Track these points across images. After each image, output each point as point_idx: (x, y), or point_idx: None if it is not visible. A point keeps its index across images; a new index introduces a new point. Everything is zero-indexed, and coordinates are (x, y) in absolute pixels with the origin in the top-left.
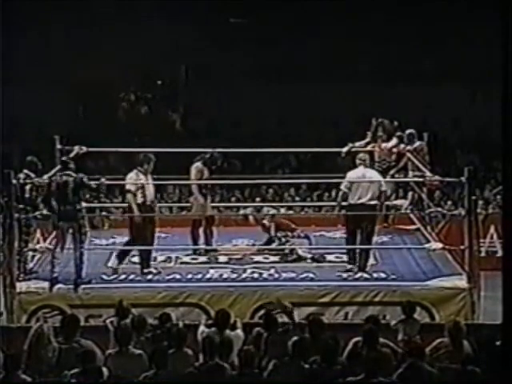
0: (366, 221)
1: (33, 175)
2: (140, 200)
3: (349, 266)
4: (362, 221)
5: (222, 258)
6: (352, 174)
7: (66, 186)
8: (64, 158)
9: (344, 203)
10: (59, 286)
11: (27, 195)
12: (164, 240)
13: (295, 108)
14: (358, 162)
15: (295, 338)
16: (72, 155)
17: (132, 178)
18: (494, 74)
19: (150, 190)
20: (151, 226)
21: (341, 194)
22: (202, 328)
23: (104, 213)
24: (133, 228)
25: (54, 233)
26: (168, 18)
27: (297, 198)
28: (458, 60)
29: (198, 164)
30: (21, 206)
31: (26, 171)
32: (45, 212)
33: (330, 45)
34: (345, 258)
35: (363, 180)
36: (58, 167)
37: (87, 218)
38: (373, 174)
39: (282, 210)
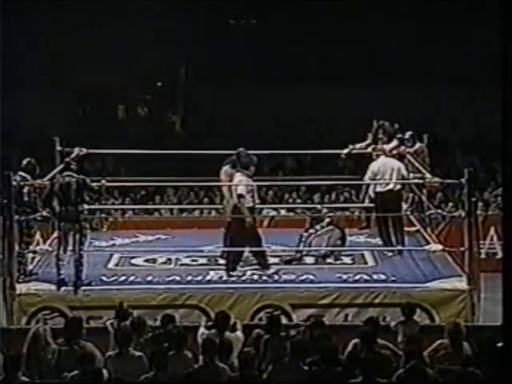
0: (394, 206)
1: (29, 177)
2: (250, 204)
3: (389, 254)
4: (389, 207)
5: (222, 260)
6: (374, 165)
7: (68, 187)
8: (67, 159)
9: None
10: (64, 288)
11: (26, 197)
12: (164, 241)
13: (295, 109)
14: (377, 154)
15: (295, 340)
16: (72, 157)
17: (243, 182)
18: (494, 75)
19: (255, 193)
20: (255, 229)
21: (365, 185)
22: (201, 330)
23: (103, 214)
24: (240, 231)
25: (55, 234)
26: (168, 19)
27: (297, 200)
28: (458, 61)
29: (227, 168)
30: (21, 208)
31: (21, 173)
32: (45, 214)
33: (329, 46)
34: (345, 259)
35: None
36: (59, 168)
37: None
38: (394, 162)
39: (282, 212)
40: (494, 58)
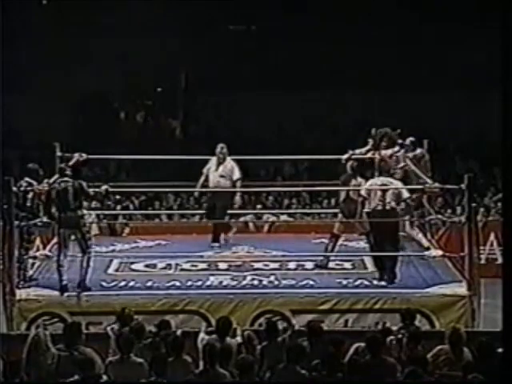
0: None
1: (34, 183)
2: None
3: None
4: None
5: (222, 265)
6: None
7: (65, 193)
8: (61, 166)
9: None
10: (66, 293)
11: (28, 203)
12: (164, 247)
13: (295, 115)
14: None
15: (293, 345)
16: (72, 162)
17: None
18: (494, 78)
19: None
20: None
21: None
22: (202, 335)
23: (124, 220)
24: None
25: (55, 240)
26: (168, 25)
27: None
28: (458, 63)
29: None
30: (22, 213)
31: (27, 179)
32: (45, 219)
33: (329, 51)
34: (345, 265)
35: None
36: (58, 174)
37: (108, 224)
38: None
39: (282, 217)
40: (494, 63)
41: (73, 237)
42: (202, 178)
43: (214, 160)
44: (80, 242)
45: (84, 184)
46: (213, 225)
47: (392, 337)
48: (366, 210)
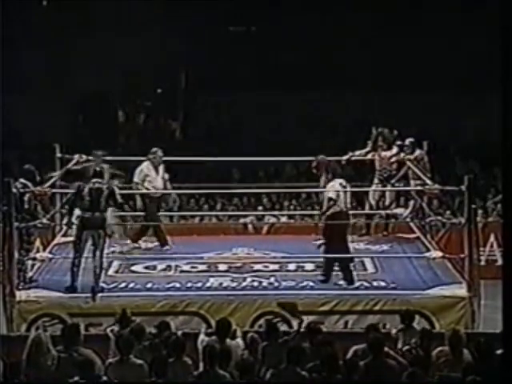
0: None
1: (29, 184)
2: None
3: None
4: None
5: (222, 267)
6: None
7: (99, 193)
8: (98, 168)
9: None
10: (61, 294)
11: (26, 204)
12: (164, 248)
13: (295, 115)
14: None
15: (293, 346)
16: (72, 163)
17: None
18: (494, 79)
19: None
20: None
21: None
22: (201, 337)
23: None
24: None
25: (56, 241)
26: (168, 26)
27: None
28: (458, 64)
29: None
30: (21, 215)
31: (22, 180)
32: (45, 221)
33: (329, 52)
34: None
35: None
36: (58, 175)
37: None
38: None
39: (283, 219)
40: (494, 61)
41: (91, 238)
42: (140, 187)
43: (149, 167)
44: (98, 243)
45: (116, 189)
46: (154, 229)
47: (408, 347)
48: (331, 211)
